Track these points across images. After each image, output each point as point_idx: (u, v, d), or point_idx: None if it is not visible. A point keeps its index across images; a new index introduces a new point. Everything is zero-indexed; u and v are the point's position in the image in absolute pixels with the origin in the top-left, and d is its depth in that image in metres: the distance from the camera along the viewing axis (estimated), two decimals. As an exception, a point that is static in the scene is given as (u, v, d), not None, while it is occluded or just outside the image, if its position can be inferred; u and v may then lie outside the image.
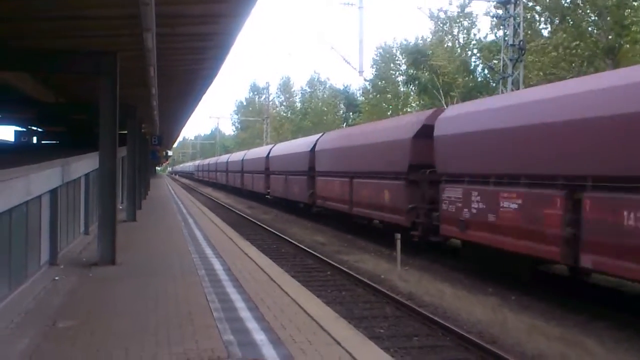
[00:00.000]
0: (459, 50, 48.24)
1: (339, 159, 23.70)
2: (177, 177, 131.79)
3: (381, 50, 60.15)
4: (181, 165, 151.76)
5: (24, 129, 27.47)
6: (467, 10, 48.88)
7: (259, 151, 44.88)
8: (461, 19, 49.04)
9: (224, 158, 66.34)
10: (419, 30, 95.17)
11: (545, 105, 11.79)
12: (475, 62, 48.13)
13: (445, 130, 15.41)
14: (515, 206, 12.19)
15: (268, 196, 38.61)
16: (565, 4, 34.46)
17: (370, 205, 20.03)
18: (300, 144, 31.95)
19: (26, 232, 9.82)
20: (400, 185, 17.61)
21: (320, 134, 29.92)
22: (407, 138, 17.38)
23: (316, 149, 27.30)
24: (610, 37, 31.74)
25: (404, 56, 55.99)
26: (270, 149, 39.26)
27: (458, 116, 15.35)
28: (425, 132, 16.39)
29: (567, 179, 10.93)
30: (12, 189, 8.59)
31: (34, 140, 27.93)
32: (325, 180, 25.32)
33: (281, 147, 38.03)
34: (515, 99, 13.65)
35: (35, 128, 27.61)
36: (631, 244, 9.26)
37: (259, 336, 7.07)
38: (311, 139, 30.10)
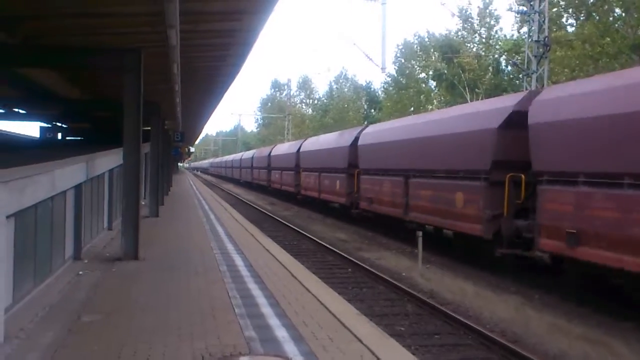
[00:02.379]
0: (482, 48, 48.14)
1: (391, 155, 20.10)
2: (199, 173, 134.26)
3: (402, 47, 60.03)
4: (198, 163, 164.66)
5: (49, 125, 27.84)
6: (490, 8, 48.86)
7: (289, 146, 41.19)
8: (486, 18, 48.99)
9: (249, 154, 61.83)
10: (443, 25, 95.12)
11: None
12: (498, 59, 47.99)
13: (549, 116, 12.19)
14: None
15: (298, 196, 34.96)
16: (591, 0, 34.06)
17: (434, 211, 16.69)
18: (338, 138, 28.62)
19: (51, 227, 9.94)
20: (480, 187, 14.42)
21: (363, 126, 27.07)
22: (490, 128, 14.17)
23: (359, 143, 23.96)
24: (638, 32, 31.25)
25: (433, 51, 55.25)
26: (302, 144, 35.86)
27: (569, 97, 12.01)
28: (515, 120, 13.42)
29: None
30: (37, 184, 8.69)
31: (59, 136, 28.30)
32: (371, 179, 22.14)
33: (314, 141, 34.36)
34: None
35: (60, 124, 27.97)
36: None
37: (281, 333, 7.08)
38: (351, 132, 27.00)
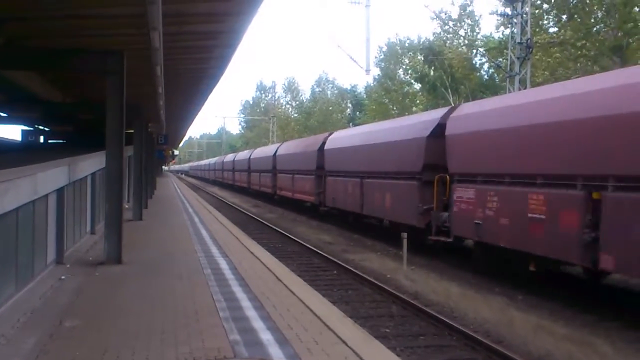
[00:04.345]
0: (465, 49, 48.35)
1: (522, 151, 12.26)
2: (182, 175, 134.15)
3: (385, 49, 60.21)
4: (178, 166, 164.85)
5: (31, 128, 27.56)
6: (468, 9, 49.09)
7: (306, 143, 32.69)
8: (464, 19, 49.17)
9: (244, 154, 53.58)
10: (427, 28, 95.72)
11: None
12: (480, 59, 48.22)
13: None
14: None
15: (324, 207, 26.92)
16: (573, 2, 34.36)
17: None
18: (400, 127, 19.66)
19: (33, 231, 9.84)
20: None
21: (449, 107, 18.51)
22: None
23: (448, 132, 15.53)
24: (618, 34, 31.59)
25: (418, 53, 55.25)
26: (326, 139, 27.69)
27: None
28: None
29: None
30: (19, 187, 8.60)
31: (41, 139, 28.03)
32: (481, 192, 13.71)
33: (348, 135, 26.05)
34: None
35: (42, 127, 27.71)
36: None
37: (265, 336, 7.05)
38: (424, 118, 18.51)
